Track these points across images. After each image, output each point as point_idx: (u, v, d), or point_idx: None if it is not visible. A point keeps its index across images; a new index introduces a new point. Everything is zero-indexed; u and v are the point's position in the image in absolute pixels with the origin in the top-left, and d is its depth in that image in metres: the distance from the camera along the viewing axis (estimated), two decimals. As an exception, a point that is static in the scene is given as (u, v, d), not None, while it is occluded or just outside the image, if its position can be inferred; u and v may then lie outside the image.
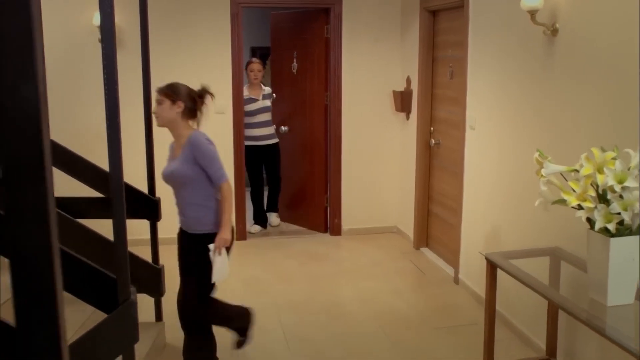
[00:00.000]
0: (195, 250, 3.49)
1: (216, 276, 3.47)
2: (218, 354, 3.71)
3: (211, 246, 3.40)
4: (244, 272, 5.49)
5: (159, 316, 4.03)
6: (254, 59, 6.65)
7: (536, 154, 2.84)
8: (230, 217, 3.47)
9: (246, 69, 6.54)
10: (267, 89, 6.67)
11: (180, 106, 3.42)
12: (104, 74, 2.09)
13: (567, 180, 2.74)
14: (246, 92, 6.45)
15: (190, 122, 3.52)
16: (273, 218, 6.92)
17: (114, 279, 2.24)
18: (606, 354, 3.26)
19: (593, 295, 2.73)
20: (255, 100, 6.47)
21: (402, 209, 6.44)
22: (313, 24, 6.40)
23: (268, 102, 6.61)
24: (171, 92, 3.42)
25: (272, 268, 5.57)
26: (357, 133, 6.43)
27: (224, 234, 3.43)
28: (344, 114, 6.36)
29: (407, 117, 6.19)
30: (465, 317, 4.50)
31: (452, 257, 5.32)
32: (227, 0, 5.97)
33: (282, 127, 6.83)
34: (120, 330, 2.19)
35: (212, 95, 3.64)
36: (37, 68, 0.63)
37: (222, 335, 3.86)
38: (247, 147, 6.44)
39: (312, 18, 6.41)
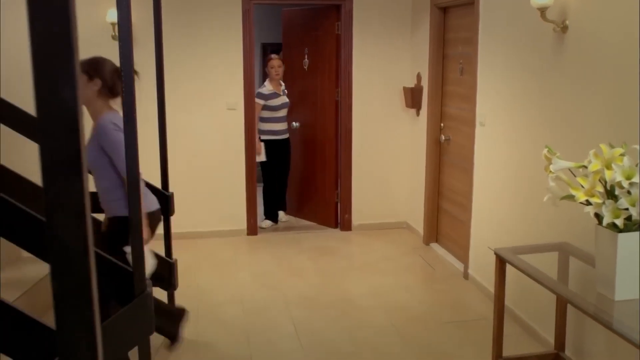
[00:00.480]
0: (108, 234, 3.28)
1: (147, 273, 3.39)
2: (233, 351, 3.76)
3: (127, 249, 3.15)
4: (255, 267, 5.55)
5: (172, 309, 4.09)
6: (274, 56, 6.70)
7: (545, 150, 2.87)
8: (144, 211, 3.13)
9: (267, 65, 6.65)
10: (283, 85, 6.78)
11: (97, 84, 3.13)
12: (121, 72, 2.14)
13: (575, 176, 2.77)
14: (271, 88, 6.54)
15: (111, 102, 3.21)
16: (281, 215, 6.99)
17: (131, 272, 2.29)
18: (614, 349, 3.29)
19: (601, 289, 2.77)
20: (279, 95, 6.60)
21: (412, 205, 6.48)
22: (324, 20, 6.44)
23: (286, 98, 6.70)
24: (90, 67, 3.12)
25: (283, 263, 5.62)
26: (367, 129, 6.47)
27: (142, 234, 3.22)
28: (354, 110, 6.40)
29: (418, 114, 6.22)
30: (475, 312, 4.54)
31: (461, 252, 5.36)
32: (239, -3, 6.03)
33: (294, 122, 6.88)
34: (136, 321, 2.25)
35: (136, 73, 3.29)
36: (75, 71, 0.68)
37: (230, 335, 3.91)
38: (265, 141, 6.54)
39: (323, 15, 6.45)
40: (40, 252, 2.41)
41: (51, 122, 0.68)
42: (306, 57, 6.71)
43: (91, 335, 0.73)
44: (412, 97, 6.16)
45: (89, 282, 0.72)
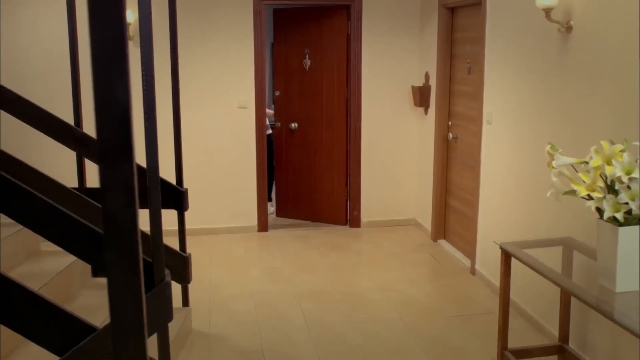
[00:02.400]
0: None
1: None
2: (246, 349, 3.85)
3: None
4: (265, 262, 5.66)
5: (185, 302, 4.19)
6: None
7: (547, 147, 2.96)
8: None
9: None
10: None
11: None
12: (142, 70, 2.25)
13: (577, 172, 2.87)
14: None
15: None
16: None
17: (150, 262, 2.40)
18: (617, 341, 3.38)
19: (602, 282, 2.86)
20: None
21: (420, 202, 6.57)
22: (333, 20, 6.52)
23: None
24: None
25: (293, 259, 5.73)
26: (376, 127, 6.57)
27: None
28: (363, 108, 6.50)
29: (426, 112, 6.32)
30: (481, 306, 4.63)
31: (468, 248, 5.45)
32: (250, -2, 6.14)
33: (292, 124, 6.90)
34: (156, 309, 2.36)
35: None
36: (127, 71, 0.78)
37: (237, 334, 3.99)
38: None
39: (331, 14, 6.52)
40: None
41: (106, 115, 0.78)
42: (307, 57, 6.75)
43: (138, 299, 0.84)
44: (421, 96, 6.25)
45: (136, 252, 0.83)
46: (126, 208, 0.81)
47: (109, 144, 0.80)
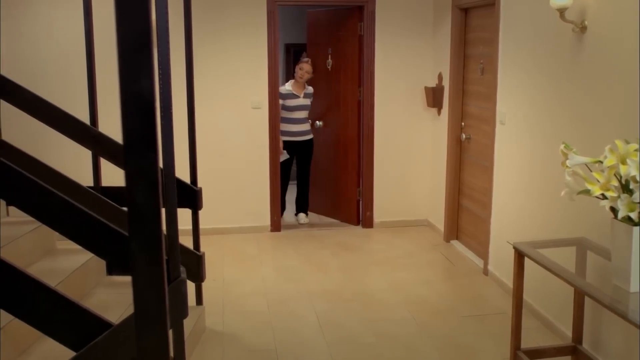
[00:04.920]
0: None
1: None
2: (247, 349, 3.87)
3: None
4: (278, 262, 5.68)
5: (199, 300, 4.23)
6: (307, 59, 6.79)
7: (561, 146, 2.96)
8: None
9: (296, 65, 6.76)
10: (310, 89, 6.83)
11: None
12: (158, 70, 2.27)
13: (591, 172, 2.86)
14: (289, 88, 6.65)
15: None
16: (301, 217, 7.01)
17: (166, 260, 2.43)
18: (631, 341, 3.36)
19: (616, 281, 2.85)
20: (297, 96, 6.66)
21: (433, 203, 6.57)
22: (347, 21, 6.55)
23: (308, 101, 6.79)
24: None
25: (306, 258, 5.75)
26: (389, 128, 6.58)
27: None
28: (376, 109, 6.51)
29: (439, 113, 6.32)
30: (494, 306, 4.63)
31: (481, 249, 5.45)
32: (264, -1, 6.17)
33: (317, 122, 6.98)
34: (171, 305, 2.38)
35: None
36: (152, 66, 0.80)
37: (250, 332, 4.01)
38: (284, 141, 6.63)
39: (346, 15, 6.56)
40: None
41: (132, 107, 0.81)
42: (330, 57, 6.82)
43: (161, 289, 0.86)
44: (434, 97, 6.26)
45: (159, 242, 0.85)
46: (150, 198, 0.83)
47: (135, 135, 0.82)
